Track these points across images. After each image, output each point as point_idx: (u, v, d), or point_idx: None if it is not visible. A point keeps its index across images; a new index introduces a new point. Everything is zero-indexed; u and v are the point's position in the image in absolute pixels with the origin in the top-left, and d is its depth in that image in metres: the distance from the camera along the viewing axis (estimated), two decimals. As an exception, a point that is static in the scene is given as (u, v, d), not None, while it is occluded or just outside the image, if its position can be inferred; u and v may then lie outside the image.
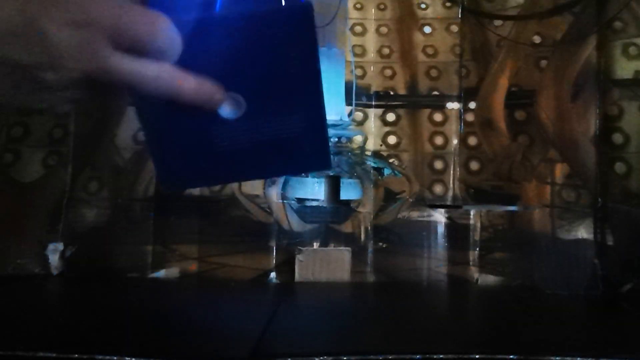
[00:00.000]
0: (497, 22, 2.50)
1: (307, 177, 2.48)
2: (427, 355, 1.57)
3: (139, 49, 0.62)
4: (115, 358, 1.50)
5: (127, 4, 0.61)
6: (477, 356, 1.59)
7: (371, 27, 2.62)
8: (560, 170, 2.38)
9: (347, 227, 2.48)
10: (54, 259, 2.39)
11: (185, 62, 0.70)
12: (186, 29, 0.68)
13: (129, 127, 2.59)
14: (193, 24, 0.69)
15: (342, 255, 2.39)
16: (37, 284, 2.36)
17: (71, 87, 0.62)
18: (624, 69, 2.28)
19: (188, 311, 1.97)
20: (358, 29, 2.64)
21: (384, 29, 2.64)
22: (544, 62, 2.43)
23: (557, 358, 1.55)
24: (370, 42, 2.61)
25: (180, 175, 0.80)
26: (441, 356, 1.58)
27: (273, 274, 2.41)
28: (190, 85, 0.68)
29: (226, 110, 0.74)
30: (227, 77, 0.73)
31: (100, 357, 1.49)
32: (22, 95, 0.61)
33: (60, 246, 2.40)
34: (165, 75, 0.66)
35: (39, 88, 0.60)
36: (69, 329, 1.74)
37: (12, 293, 2.20)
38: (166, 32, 0.64)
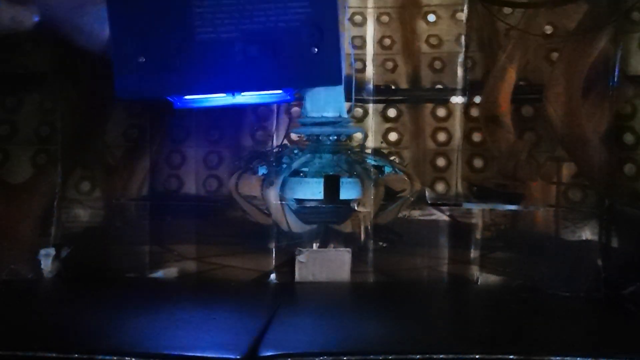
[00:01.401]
0: (507, 10, 2.35)
1: (305, 176, 2.41)
2: (427, 355, 1.58)
3: None
4: (115, 358, 1.53)
5: None
6: (477, 356, 1.60)
7: (371, 15, 2.48)
8: (567, 170, 2.31)
9: (347, 227, 2.44)
10: (46, 263, 2.37)
11: None
12: None
13: (119, 123, 2.51)
14: None
15: (342, 256, 2.37)
16: (36, 286, 2.36)
17: None
18: (641, 63, 2.16)
19: (187, 311, 1.97)
20: (357, 18, 2.49)
21: (385, 18, 2.50)
22: (555, 55, 2.31)
23: (557, 358, 1.56)
24: (370, 32, 2.47)
25: (145, 75, 0.66)
26: (441, 356, 1.60)
27: (273, 275, 2.40)
28: None
29: None
30: None
31: (100, 357, 1.52)
32: None
33: (51, 251, 2.38)
34: None
35: None
36: (69, 329, 1.75)
37: (10, 295, 2.20)
38: None
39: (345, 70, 2.36)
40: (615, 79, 2.16)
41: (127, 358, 1.53)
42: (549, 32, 2.33)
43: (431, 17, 2.48)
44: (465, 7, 2.40)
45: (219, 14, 0.60)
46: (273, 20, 0.60)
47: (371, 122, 2.51)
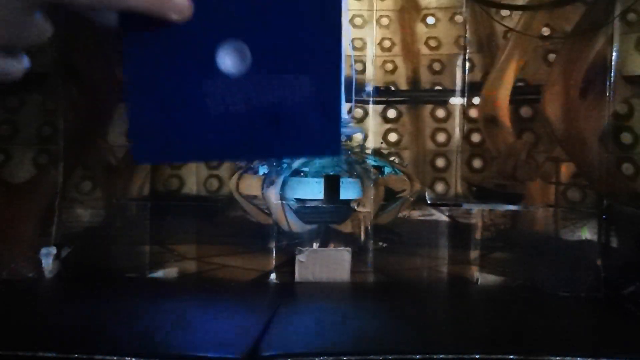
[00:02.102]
0: (505, 12, 2.37)
1: (305, 176, 2.42)
2: (427, 355, 1.58)
3: None
4: (115, 358, 1.53)
5: None
6: (477, 356, 1.60)
7: (371, 18, 2.50)
8: (565, 170, 2.32)
9: (347, 227, 2.44)
10: (47, 262, 2.36)
11: None
12: None
13: (121, 123, 2.51)
14: None
15: (342, 256, 2.37)
16: (36, 285, 2.35)
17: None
18: (637, 64, 2.18)
19: (188, 311, 1.97)
20: (358, 20, 2.51)
21: (384, 20, 2.51)
22: (552, 56, 2.32)
23: (557, 358, 1.57)
24: (371, 34, 2.49)
25: (158, 143, 0.68)
26: (441, 356, 1.60)
27: (273, 275, 2.40)
28: None
29: (227, 63, 0.62)
30: (232, 24, 0.59)
31: (99, 357, 1.52)
32: None
33: (53, 250, 2.37)
34: None
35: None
36: (69, 329, 1.75)
37: (11, 295, 2.20)
38: None
39: (345, 72, 2.40)
40: (613, 80, 2.18)
41: (127, 358, 1.53)
42: (546, 33, 2.34)
43: (430, 20, 2.50)
44: (464, 10, 2.42)
45: (230, 88, 0.62)
46: (277, 95, 0.62)
47: (371, 122, 2.51)
